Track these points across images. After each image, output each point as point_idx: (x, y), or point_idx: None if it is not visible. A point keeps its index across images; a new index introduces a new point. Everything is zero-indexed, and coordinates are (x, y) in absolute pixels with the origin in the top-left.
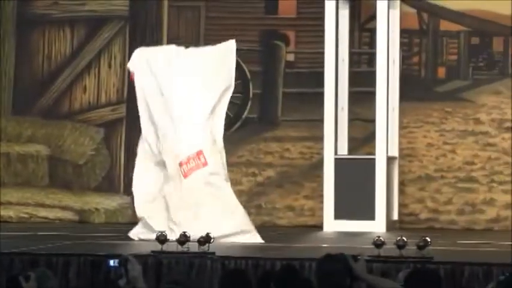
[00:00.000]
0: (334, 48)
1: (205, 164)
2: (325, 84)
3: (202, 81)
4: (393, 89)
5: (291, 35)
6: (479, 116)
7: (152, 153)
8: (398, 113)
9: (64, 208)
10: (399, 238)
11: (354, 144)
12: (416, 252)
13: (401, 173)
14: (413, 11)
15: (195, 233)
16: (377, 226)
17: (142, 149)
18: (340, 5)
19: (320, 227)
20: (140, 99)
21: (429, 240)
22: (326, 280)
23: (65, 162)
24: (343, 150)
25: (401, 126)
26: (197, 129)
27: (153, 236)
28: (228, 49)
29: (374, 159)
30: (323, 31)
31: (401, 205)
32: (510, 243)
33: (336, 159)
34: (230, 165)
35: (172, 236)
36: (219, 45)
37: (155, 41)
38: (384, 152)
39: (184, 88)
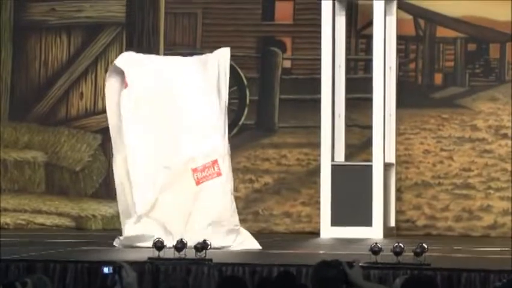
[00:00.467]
0: (331, 54)
1: (219, 173)
2: (322, 91)
3: (203, 89)
4: (390, 95)
5: (288, 41)
6: (476, 122)
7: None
8: (394, 120)
9: (60, 215)
10: (396, 245)
11: (351, 150)
12: (413, 259)
13: (398, 179)
14: (409, 17)
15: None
16: (374, 233)
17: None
18: (336, 11)
19: (317, 233)
20: (126, 105)
21: (426, 246)
22: (322, 286)
23: (62, 168)
24: (340, 157)
25: (398, 133)
26: (211, 138)
27: (148, 243)
28: (222, 56)
29: (371, 165)
30: (319, 37)
31: (398, 212)
32: (507, 249)
33: (333, 165)
34: None
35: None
36: (213, 53)
37: (152, 47)
38: (381, 159)
39: (185, 96)
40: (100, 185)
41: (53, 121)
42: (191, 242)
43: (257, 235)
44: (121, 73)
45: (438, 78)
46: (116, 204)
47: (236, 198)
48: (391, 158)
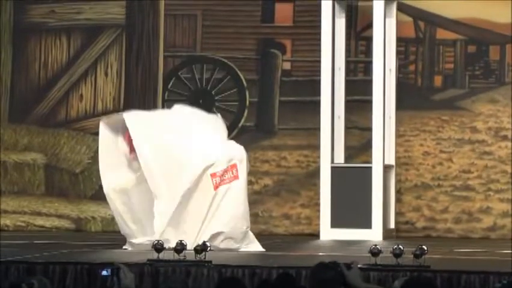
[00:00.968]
0: (330, 56)
1: (236, 177)
2: (321, 93)
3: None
4: (390, 97)
5: (288, 43)
6: (475, 124)
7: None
8: (394, 122)
9: (60, 216)
10: (395, 246)
11: (350, 152)
12: (412, 261)
13: (397, 181)
14: (409, 19)
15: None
16: (373, 234)
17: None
18: (336, 13)
19: (316, 235)
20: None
21: (425, 248)
22: None
23: (61, 170)
24: (340, 159)
25: (398, 135)
26: (229, 142)
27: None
28: (217, 120)
29: (371, 167)
30: (319, 40)
31: (398, 213)
32: (507, 251)
33: (332, 167)
34: None
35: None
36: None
37: (152, 50)
38: (380, 161)
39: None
40: (99, 187)
41: (52, 123)
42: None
43: (257, 237)
44: (121, 126)
45: (438, 80)
46: None
47: None
48: (391, 160)
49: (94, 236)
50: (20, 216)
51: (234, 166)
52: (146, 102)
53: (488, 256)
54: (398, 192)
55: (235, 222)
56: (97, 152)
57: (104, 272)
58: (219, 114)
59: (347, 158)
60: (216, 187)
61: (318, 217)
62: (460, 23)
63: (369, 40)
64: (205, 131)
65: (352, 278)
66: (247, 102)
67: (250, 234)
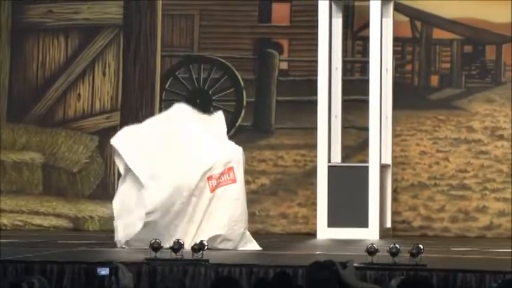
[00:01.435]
0: (327, 56)
1: (233, 180)
2: (318, 93)
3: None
4: (387, 97)
5: (285, 43)
6: (472, 124)
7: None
8: (391, 121)
9: (58, 216)
10: (392, 245)
11: (347, 152)
12: (409, 260)
13: (394, 180)
14: (406, 19)
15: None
16: (370, 234)
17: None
18: (333, 13)
19: (313, 234)
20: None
21: (422, 247)
22: (315, 287)
23: (59, 170)
24: (336, 158)
25: (394, 134)
26: (227, 144)
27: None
28: (217, 120)
29: (367, 167)
30: (316, 39)
31: (394, 213)
32: (503, 250)
33: (329, 167)
34: None
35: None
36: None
37: (149, 49)
38: (377, 160)
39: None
40: (97, 187)
41: (50, 122)
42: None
43: (254, 236)
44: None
45: (434, 79)
46: (111, 205)
47: None
48: (387, 159)
49: (92, 235)
50: (18, 216)
51: (231, 169)
52: (144, 102)
53: (484, 255)
54: (395, 191)
55: (233, 225)
56: (94, 151)
57: (102, 272)
58: (221, 112)
59: (344, 158)
60: (213, 190)
61: (315, 216)
62: (456, 23)
63: (366, 40)
64: (202, 133)
65: (347, 277)
66: (244, 102)
67: (247, 233)
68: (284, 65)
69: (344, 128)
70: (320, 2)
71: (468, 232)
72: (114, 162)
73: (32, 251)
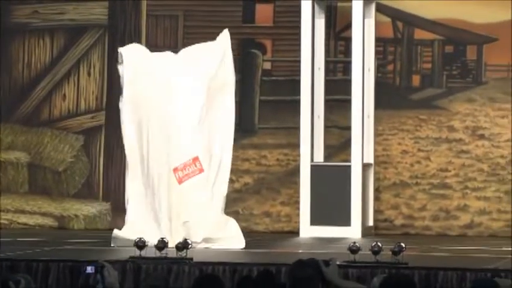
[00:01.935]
0: (310, 56)
1: (201, 170)
2: (301, 92)
3: (193, 83)
4: (369, 96)
5: (268, 43)
6: (453, 123)
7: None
8: (373, 121)
9: (43, 214)
10: (374, 244)
11: (330, 151)
12: (391, 258)
13: (376, 179)
14: (387, 20)
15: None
16: (352, 232)
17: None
18: (316, 14)
19: (296, 232)
20: (127, 101)
21: (404, 245)
22: (298, 285)
23: (44, 169)
24: (319, 157)
25: (376, 134)
26: (192, 134)
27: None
28: (222, 42)
29: (350, 166)
30: (299, 40)
31: (376, 211)
32: (483, 248)
33: (312, 166)
34: None
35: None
36: (214, 42)
37: None
38: (359, 159)
39: (178, 91)
40: (82, 186)
41: (36, 122)
42: (177, 239)
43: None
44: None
45: (416, 79)
46: (98, 204)
47: None
48: (369, 159)
49: (77, 233)
50: (4, 214)
51: (196, 159)
52: None
53: (465, 253)
54: (377, 190)
55: (203, 216)
56: (79, 150)
57: (87, 269)
58: (226, 31)
59: (327, 157)
60: (180, 181)
61: (298, 215)
62: (437, 24)
63: (348, 40)
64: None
65: (330, 275)
66: None
67: (233, 226)
68: (267, 65)
69: (327, 127)
70: (302, 2)
71: (449, 231)
72: (99, 162)
73: (18, 249)
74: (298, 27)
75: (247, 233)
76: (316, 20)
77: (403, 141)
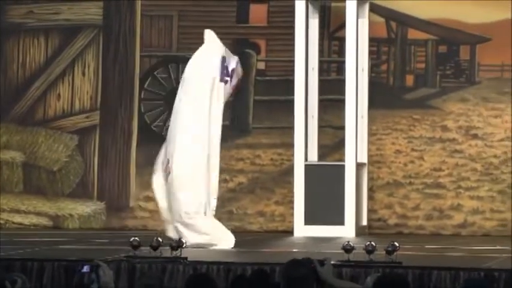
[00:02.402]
0: (304, 56)
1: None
2: (295, 92)
3: (195, 97)
4: (362, 96)
5: (262, 43)
6: (446, 123)
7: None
8: (367, 120)
9: (38, 214)
10: (368, 243)
11: (324, 151)
12: (385, 257)
13: (370, 179)
14: (381, 20)
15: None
16: (346, 231)
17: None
18: (310, 14)
19: (290, 232)
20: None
21: (397, 245)
22: (293, 285)
23: (39, 168)
24: (313, 157)
25: (370, 133)
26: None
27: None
28: (209, 44)
29: (344, 165)
30: (293, 40)
31: (370, 211)
32: (477, 248)
33: (306, 165)
34: None
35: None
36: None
37: (129, 50)
38: (353, 159)
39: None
40: (76, 185)
41: (30, 122)
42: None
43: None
44: None
45: (409, 79)
46: (93, 204)
47: None
48: (363, 158)
49: (72, 233)
50: None
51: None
52: (123, 102)
53: (458, 252)
54: (371, 189)
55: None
56: (74, 150)
57: (83, 268)
58: (236, 58)
59: (320, 156)
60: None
61: (292, 214)
62: (431, 23)
63: (342, 40)
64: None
65: (325, 274)
66: None
67: (218, 226)
68: (261, 65)
69: (321, 127)
70: (296, 2)
71: (443, 230)
72: (93, 162)
73: (13, 249)
74: (292, 27)
75: (241, 232)
76: (310, 20)
77: (397, 140)
